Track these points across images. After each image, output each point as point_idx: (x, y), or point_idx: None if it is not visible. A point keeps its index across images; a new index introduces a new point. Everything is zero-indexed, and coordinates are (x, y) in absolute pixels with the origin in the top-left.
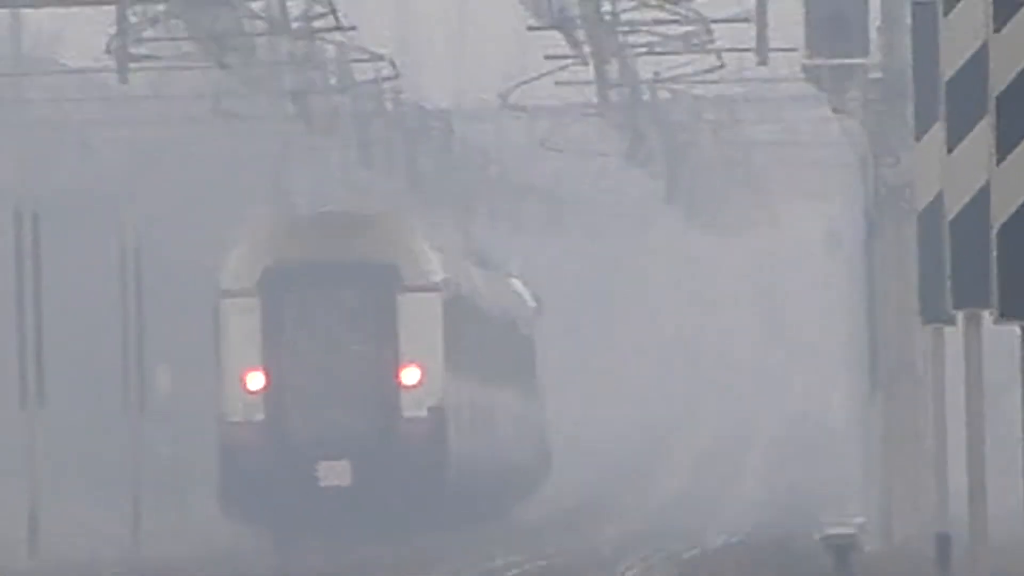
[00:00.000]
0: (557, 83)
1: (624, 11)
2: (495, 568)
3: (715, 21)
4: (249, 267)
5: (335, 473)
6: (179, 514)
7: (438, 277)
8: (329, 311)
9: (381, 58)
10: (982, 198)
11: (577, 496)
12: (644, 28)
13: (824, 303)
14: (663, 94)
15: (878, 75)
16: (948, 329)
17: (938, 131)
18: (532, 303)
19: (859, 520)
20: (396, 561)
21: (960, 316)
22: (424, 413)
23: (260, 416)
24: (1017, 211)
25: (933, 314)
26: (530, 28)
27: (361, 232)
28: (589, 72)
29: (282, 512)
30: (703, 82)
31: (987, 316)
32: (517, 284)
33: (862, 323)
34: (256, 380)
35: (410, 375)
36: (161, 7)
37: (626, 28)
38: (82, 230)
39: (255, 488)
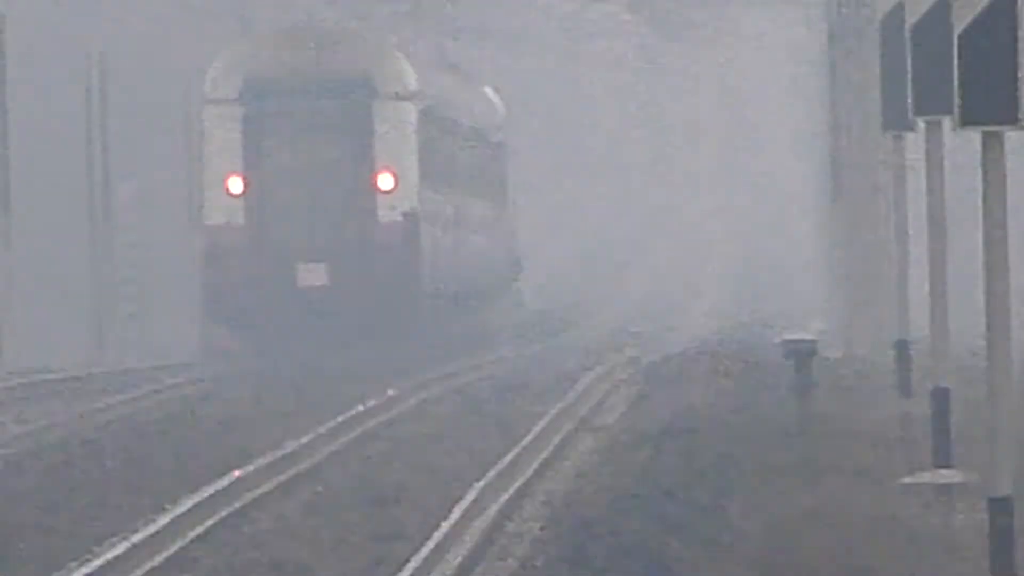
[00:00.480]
0: None
1: None
2: (458, 371)
3: None
4: (231, 76)
5: (313, 274)
6: (142, 325)
7: (412, 86)
8: (307, 119)
9: None
10: (943, 4)
11: (543, 304)
12: None
13: (789, 115)
14: None
15: None
16: (909, 137)
17: None
18: (503, 112)
19: (820, 327)
20: (367, 365)
21: (920, 123)
22: (398, 218)
23: (240, 219)
24: (979, 16)
25: (894, 122)
26: None
27: (337, 44)
28: None
29: (261, 311)
30: None
31: (947, 123)
32: (490, 92)
33: (826, 136)
34: (237, 184)
35: (385, 181)
36: None
37: None
38: (48, 44)
39: (236, 288)
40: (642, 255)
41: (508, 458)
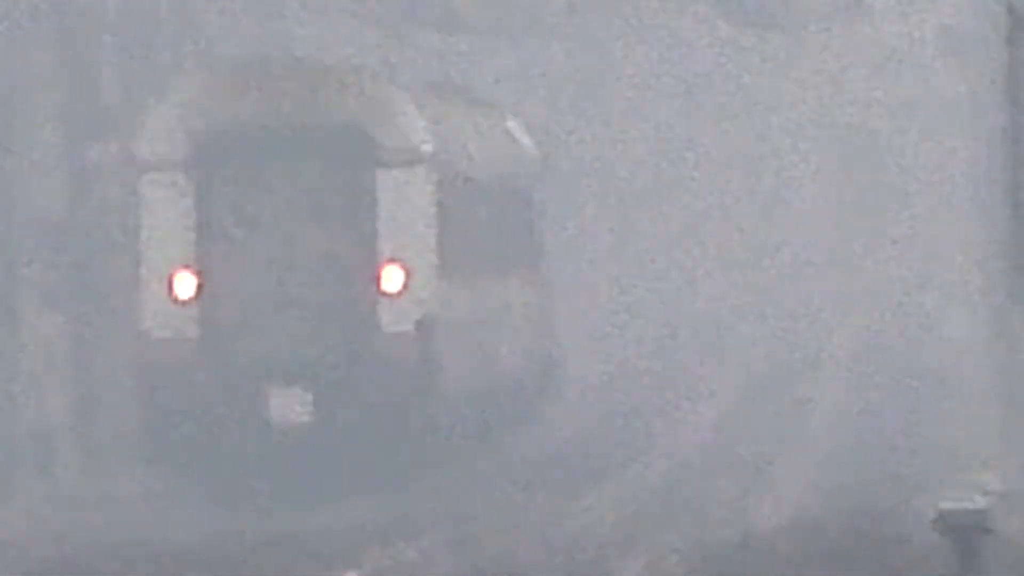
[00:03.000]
0: None
1: None
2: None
3: None
4: (176, 131)
5: (291, 407)
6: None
7: (427, 144)
8: (282, 190)
9: None
10: None
11: (582, 426)
12: None
13: (935, 144)
14: None
15: None
16: None
17: None
18: (533, 153)
19: (991, 487)
20: (364, 524)
21: None
22: (409, 328)
23: (192, 331)
24: None
25: None
26: None
27: (322, 85)
28: None
29: (220, 457)
30: None
31: None
32: (515, 128)
33: (997, 178)
34: (187, 284)
35: (391, 278)
36: None
37: None
38: None
39: (185, 425)
40: (717, 346)
41: None
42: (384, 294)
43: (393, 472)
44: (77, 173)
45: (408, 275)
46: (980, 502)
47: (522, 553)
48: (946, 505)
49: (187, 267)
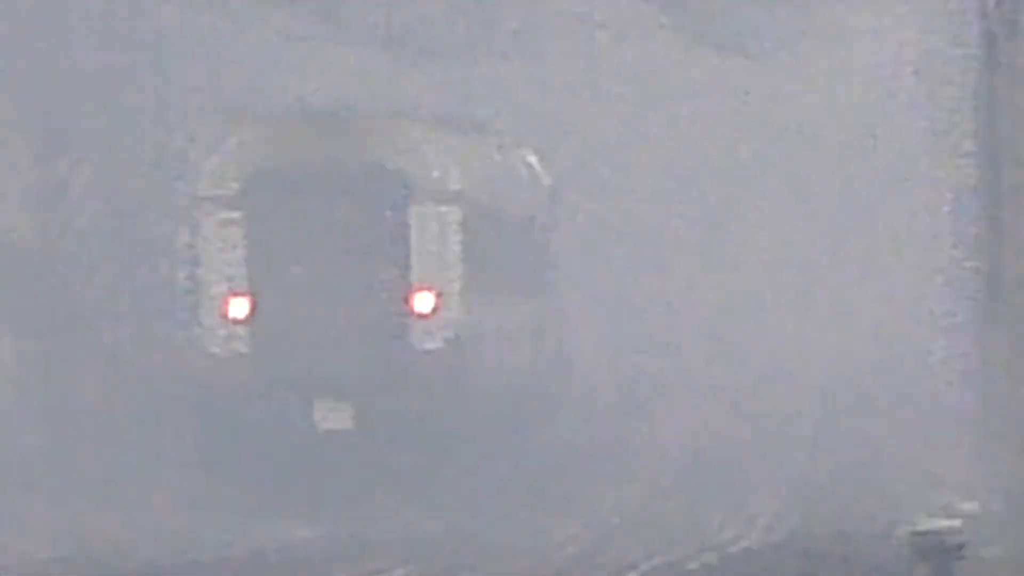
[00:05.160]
0: None
1: None
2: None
3: None
4: (232, 171)
5: (334, 416)
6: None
7: (456, 184)
8: (326, 224)
9: None
10: None
11: (586, 437)
12: None
13: (908, 165)
14: None
15: None
16: None
17: None
18: (547, 184)
19: (967, 507)
20: (402, 525)
21: None
22: (440, 346)
23: (245, 348)
24: None
25: None
26: None
27: (365, 131)
28: None
29: (269, 461)
30: None
31: None
32: (532, 159)
33: (972, 198)
34: (240, 306)
35: (423, 302)
36: None
37: None
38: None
39: (239, 433)
40: (699, 365)
41: None
42: (417, 316)
43: (426, 475)
44: (148, 208)
45: (438, 299)
46: (955, 524)
47: (551, 554)
48: (921, 527)
49: (241, 291)
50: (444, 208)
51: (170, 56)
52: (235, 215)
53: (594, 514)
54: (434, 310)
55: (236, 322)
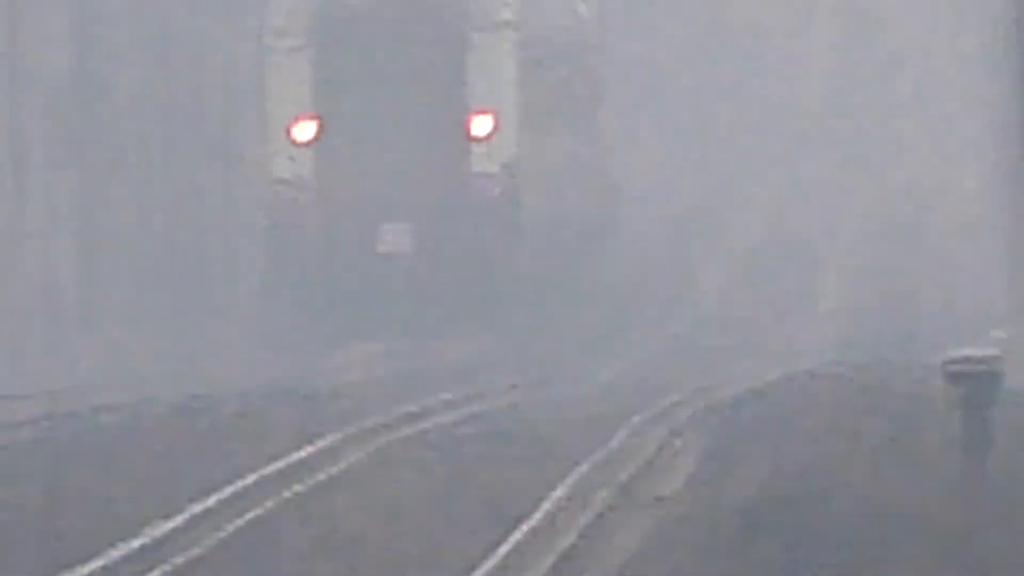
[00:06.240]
0: None
1: None
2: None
3: None
4: (299, 4)
5: (396, 238)
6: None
7: (508, 13)
8: (389, 52)
9: None
10: None
11: (632, 269)
12: None
13: (946, 26)
14: None
15: None
16: None
17: None
18: (593, 25)
19: (999, 336)
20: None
21: None
22: (496, 169)
23: (309, 171)
24: None
25: None
26: None
27: None
28: None
29: (334, 282)
30: None
31: None
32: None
33: (1004, 57)
34: (306, 130)
35: (481, 125)
36: None
37: None
38: None
39: (304, 254)
40: (744, 210)
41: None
42: (475, 139)
43: (482, 296)
44: (217, 41)
45: (496, 123)
46: (988, 351)
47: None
48: (955, 353)
49: (306, 115)
50: (500, 34)
51: None
52: (302, 44)
53: (635, 346)
54: (491, 133)
55: (302, 144)
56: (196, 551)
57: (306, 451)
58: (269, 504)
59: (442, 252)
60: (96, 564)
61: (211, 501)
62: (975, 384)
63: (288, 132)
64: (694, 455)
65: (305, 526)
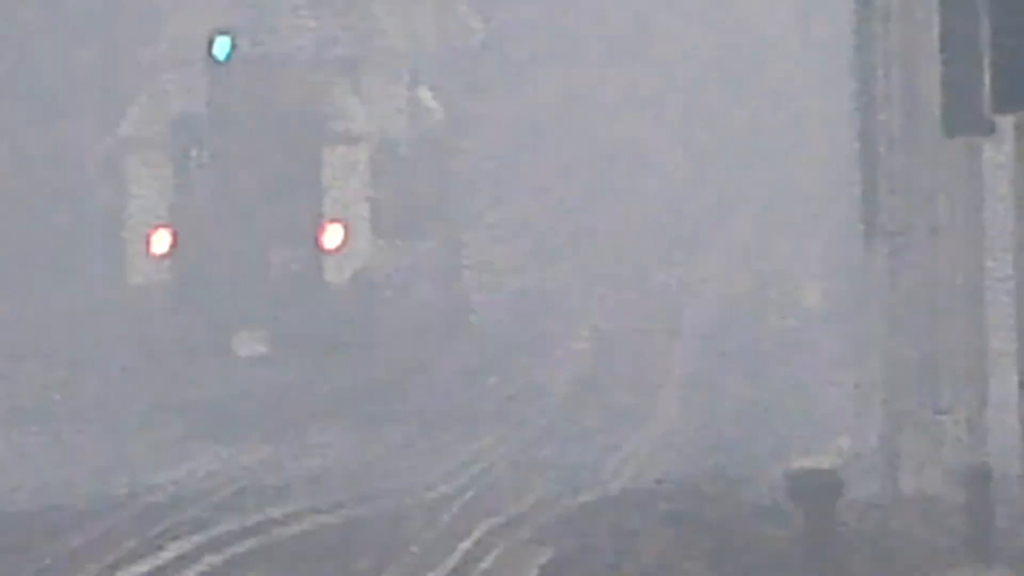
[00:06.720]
0: None
1: None
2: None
3: None
4: (156, 114)
5: (252, 343)
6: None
7: (362, 124)
8: (244, 164)
9: None
10: None
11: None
12: None
13: (793, 110)
14: None
15: None
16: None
17: None
18: (442, 117)
19: (843, 445)
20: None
21: (1006, 123)
22: (346, 277)
23: (166, 279)
24: None
25: (963, 123)
26: None
27: (280, 77)
28: None
29: (191, 385)
30: None
31: None
32: (426, 96)
33: (850, 143)
34: (162, 240)
35: (332, 236)
36: None
37: None
38: None
39: (163, 358)
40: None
41: None
42: (326, 250)
43: (337, 396)
44: (72, 149)
45: (347, 233)
46: (830, 463)
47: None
48: (796, 466)
49: (163, 226)
50: (353, 147)
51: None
52: (158, 156)
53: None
54: (342, 244)
55: (158, 256)
56: None
57: None
58: None
59: (297, 356)
60: None
61: None
62: (815, 497)
63: (145, 241)
64: None
65: None
